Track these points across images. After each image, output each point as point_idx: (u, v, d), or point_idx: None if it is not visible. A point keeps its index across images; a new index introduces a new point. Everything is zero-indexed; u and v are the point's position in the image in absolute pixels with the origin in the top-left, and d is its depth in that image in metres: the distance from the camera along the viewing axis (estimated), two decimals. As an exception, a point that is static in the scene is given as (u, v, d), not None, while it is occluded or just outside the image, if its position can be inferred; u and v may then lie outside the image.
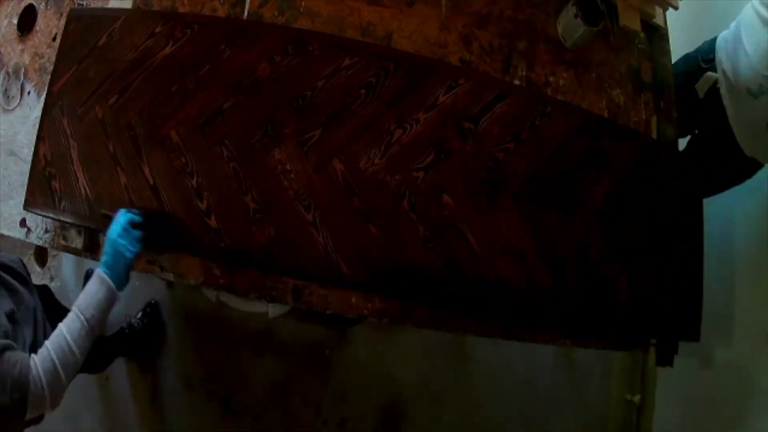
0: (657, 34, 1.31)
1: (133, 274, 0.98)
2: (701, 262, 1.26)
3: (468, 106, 1.04)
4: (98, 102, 1.12)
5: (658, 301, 1.21)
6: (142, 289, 1.56)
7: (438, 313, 1.03)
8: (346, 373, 1.52)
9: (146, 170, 1.06)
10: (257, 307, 1.12)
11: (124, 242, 0.92)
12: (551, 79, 1.14)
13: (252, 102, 1.02)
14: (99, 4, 1.22)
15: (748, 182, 1.33)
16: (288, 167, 1.00)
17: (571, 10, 1.14)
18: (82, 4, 1.24)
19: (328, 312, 1.01)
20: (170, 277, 1.07)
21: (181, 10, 1.13)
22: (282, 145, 1.01)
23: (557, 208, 1.10)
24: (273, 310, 1.20)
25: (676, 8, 1.33)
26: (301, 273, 1.00)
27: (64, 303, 1.18)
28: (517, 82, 1.11)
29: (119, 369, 1.49)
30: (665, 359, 1.24)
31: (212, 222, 1.02)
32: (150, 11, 1.14)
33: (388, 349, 1.54)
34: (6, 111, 1.30)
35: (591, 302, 1.14)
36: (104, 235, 0.96)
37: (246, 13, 1.09)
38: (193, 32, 1.07)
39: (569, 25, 1.16)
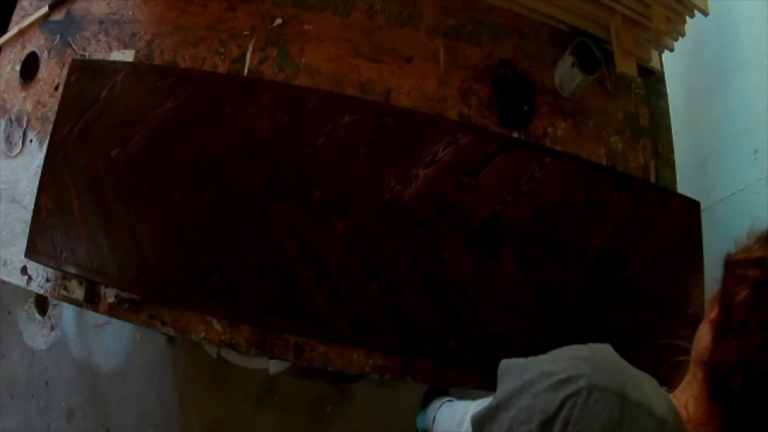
0: (653, 78, 1.33)
1: (133, 328, 0.99)
2: (704, 304, 1.26)
3: (467, 160, 1.05)
4: (99, 155, 1.12)
5: (659, 345, 1.21)
6: (143, 343, 1.56)
7: (439, 367, 1.03)
8: (348, 430, 1.51)
9: (147, 224, 1.07)
10: (258, 363, 1.12)
11: None
12: (549, 129, 1.15)
13: (252, 159, 1.03)
14: (101, 56, 1.23)
15: (747, 229, 1.33)
16: (289, 225, 1.01)
17: (568, 60, 1.16)
18: (85, 55, 1.25)
19: (329, 369, 1.01)
20: (171, 332, 1.07)
21: (182, 65, 1.14)
22: (282, 202, 1.01)
23: (558, 258, 1.10)
24: (274, 367, 1.20)
25: (671, 50, 1.35)
26: (303, 330, 1.00)
27: (65, 353, 1.18)
28: (515, 134, 1.12)
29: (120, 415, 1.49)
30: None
31: (213, 279, 1.02)
32: (151, 65, 1.16)
33: (389, 404, 1.53)
34: (8, 157, 1.31)
35: (593, 350, 1.14)
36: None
37: (246, 69, 1.10)
38: (193, 88, 1.08)
39: (566, 74, 1.17)
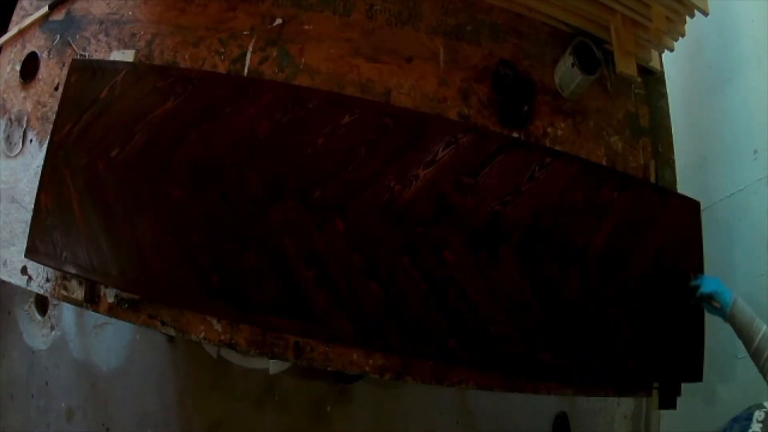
0: (653, 78, 1.32)
1: (133, 328, 0.99)
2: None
3: (467, 160, 1.05)
4: (100, 155, 1.12)
5: (659, 344, 1.21)
6: (143, 343, 1.57)
7: (439, 367, 1.03)
8: (348, 430, 1.51)
9: (147, 225, 1.07)
10: (258, 363, 1.12)
11: None
12: (549, 129, 1.15)
13: (252, 159, 1.03)
14: (101, 56, 1.23)
15: (748, 231, 1.34)
16: (289, 225, 1.01)
17: (568, 60, 1.16)
18: (85, 55, 1.25)
19: (329, 369, 1.01)
20: (171, 331, 1.07)
21: (182, 65, 1.14)
22: (282, 202, 1.01)
23: (557, 258, 1.10)
24: (274, 366, 1.20)
25: (671, 50, 1.35)
26: (303, 330, 1.00)
27: (65, 353, 1.17)
28: (515, 134, 1.12)
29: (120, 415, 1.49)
30: (668, 402, 1.23)
31: (213, 279, 1.02)
32: (151, 65, 1.16)
33: (390, 404, 1.54)
34: (8, 157, 1.31)
35: (593, 350, 1.14)
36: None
37: (246, 69, 1.10)
38: (193, 88, 1.08)
39: (566, 74, 1.17)
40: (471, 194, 1.04)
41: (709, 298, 1.09)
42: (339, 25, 1.16)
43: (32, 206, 1.14)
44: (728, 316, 1.05)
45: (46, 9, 1.32)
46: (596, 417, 1.77)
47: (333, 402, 1.49)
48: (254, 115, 1.05)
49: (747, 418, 0.85)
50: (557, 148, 1.14)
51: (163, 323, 1.06)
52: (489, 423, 1.69)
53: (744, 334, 1.02)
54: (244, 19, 1.17)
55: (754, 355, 1.00)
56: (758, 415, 0.83)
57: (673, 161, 1.30)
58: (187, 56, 1.15)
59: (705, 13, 1.17)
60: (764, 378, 0.98)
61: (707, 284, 1.12)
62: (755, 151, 1.45)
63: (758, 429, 0.82)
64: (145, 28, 1.21)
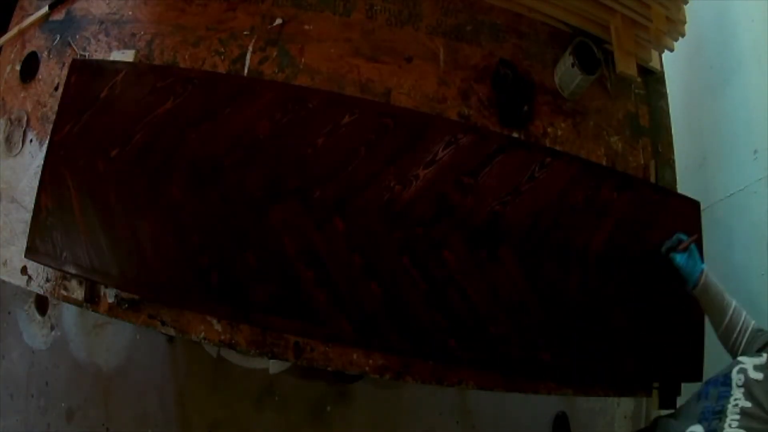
0: (653, 78, 1.33)
1: (133, 327, 0.99)
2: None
3: (467, 160, 1.05)
4: (99, 155, 1.12)
5: (659, 344, 1.21)
6: (143, 342, 1.57)
7: (439, 367, 1.03)
8: (348, 430, 1.51)
9: (147, 225, 1.07)
10: (258, 363, 1.13)
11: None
12: (549, 129, 1.15)
13: (252, 159, 1.03)
14: (101, 56, 1.23)
15: (748, 231, 1.34)
16: (289, 225, 1.01)
17: (568, 60, 1.16)
18: (85, 55, 1.25)
19: (329, 369, 1.01)
20: (171, 331, 1.07)
21: (182, 65, 1.14)
22: (283, 202, 1.01)
23: (557, 258, 1.10)
24: (274, 366, 1.20)
25: (671, 50, 1.35)
26: (303, 330, 1.00)
27: (65, 353, 1.17)
28: (515, 134, 1.12)
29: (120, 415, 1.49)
30: (668, 402, 1.23)
31: (213, 279, 1.02)
32: (151, 65, 1.16)
33: (390, 404, 1.54)
34: (8, 157, 1.31)
35: (593, 350, 1.14)
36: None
37: (246, 69, 1.10)
38: (193, 88, 1.08)
39: (566, 74, 1.17)
40: (471, 194, 1.04)
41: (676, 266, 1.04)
42: (339, 25, 1.16)
43: (32, 206, 1.14)
44: (696, 290, 1.01)
45: (46, 9, 1.32)
46: (596, 417, 1.77)
47: (333, 402, 1.49)
48: (254, 115, 1.05)
49: (725, 383, 0.76)
50: (557, 148, 1.14)
51: (163, 323, 1.06)
52: (489, 423, 1.69)
53: (714, 309, 0.99)
54: (244, 19, 1.17)
55: (725, 331, 0.95)
56: (737, 378, 0.75)
57: (673, 161, 1.30)
58: (187, 56, 1.15)
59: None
60: (732, 356, 0.94)
61: (680, 257, 1.06)
62: (755, 151, 1.45)
63: (740, 395, 0.72)
64: (145, 28, 1.21)
